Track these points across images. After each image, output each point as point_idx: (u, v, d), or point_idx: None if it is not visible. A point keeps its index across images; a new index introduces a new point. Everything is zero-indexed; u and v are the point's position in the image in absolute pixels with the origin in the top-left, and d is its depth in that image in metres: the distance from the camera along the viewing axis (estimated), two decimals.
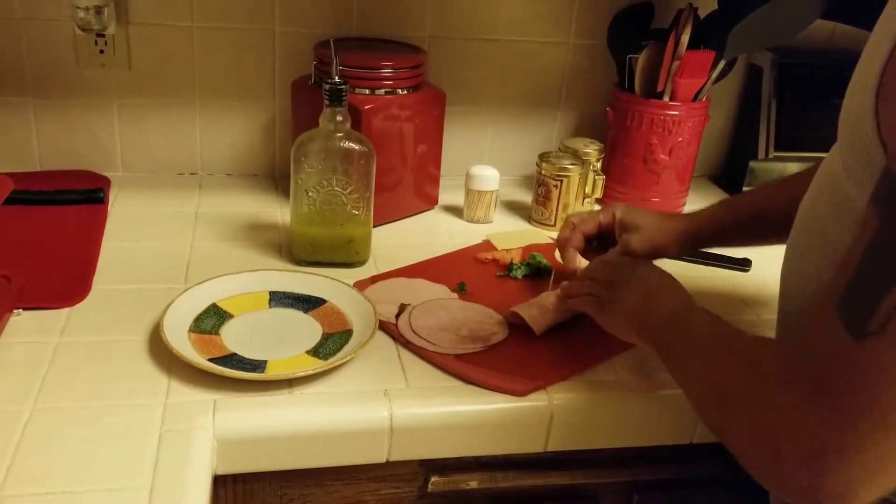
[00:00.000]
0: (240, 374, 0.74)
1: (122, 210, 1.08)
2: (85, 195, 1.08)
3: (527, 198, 1.21)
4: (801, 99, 1.27)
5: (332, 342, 0.81)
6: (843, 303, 0.45)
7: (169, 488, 0.62)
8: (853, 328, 0.44)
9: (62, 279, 0.89)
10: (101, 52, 1.11)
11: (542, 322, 0.84)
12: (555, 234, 1.12)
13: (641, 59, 1.15)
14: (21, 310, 0.82)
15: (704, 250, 1.07)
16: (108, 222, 1.04)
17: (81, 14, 1.07)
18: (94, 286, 0.88)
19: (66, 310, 0.84)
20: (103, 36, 1.10)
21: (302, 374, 0.75)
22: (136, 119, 1.16)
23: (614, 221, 0.91)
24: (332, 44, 0.92)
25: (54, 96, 1.13)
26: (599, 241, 0.93)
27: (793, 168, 1.29)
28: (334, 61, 0.91)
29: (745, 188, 1.30)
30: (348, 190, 0.94)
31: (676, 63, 1.11)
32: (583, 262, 0.92)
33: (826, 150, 0.65)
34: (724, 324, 0.63)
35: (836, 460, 0.45)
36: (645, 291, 0.73)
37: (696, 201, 1.27)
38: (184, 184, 1.19)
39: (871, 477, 0.46)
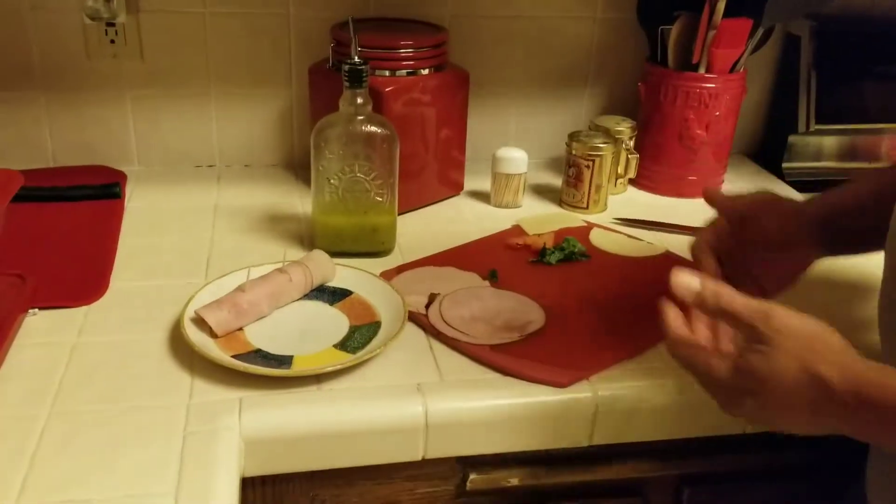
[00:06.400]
0: (266, 370, 0.70)
1: (139, 205, 1.05)
2: (100, 190, 1.05)
3: (555, 181, 1.16)
4: (841, 68, 1.21)
5: (360, 335, 0.77)
6: None
7: (195, 492, 0.58)
8: None
9: (78, 277, 0.85)
10: (112, 42, 1.07)
11: (231, 325, 0.76)
12: (588, 217, 1.07)
13: (674, 31, 1.09)
14: (36, 309, 0.79)
15: None
16: (124, 218, 1.00)
17: (90, 2, 1.03)
18: (111, 284, 0.85)
19: (82, 308, 0.80)
20: (113, 25, 1.06)
21: (330, 368, 0.71)
22: (150, 111, 1.13)
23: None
24: (350, 22, 0.88)
25: (66, 90, 1.09)
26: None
27: (830, 142, 1.23)
28: (353, 40, 0.87)
29: (784, 165, 1.24)
30: (371, 176, 0.89)
31: (712, 33, 1.05)
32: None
33: (870, 121, 0.58)
34: None
35: None
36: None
37: (735, 180, 1.21)
38: (202, 176, 1.15)
39: None
